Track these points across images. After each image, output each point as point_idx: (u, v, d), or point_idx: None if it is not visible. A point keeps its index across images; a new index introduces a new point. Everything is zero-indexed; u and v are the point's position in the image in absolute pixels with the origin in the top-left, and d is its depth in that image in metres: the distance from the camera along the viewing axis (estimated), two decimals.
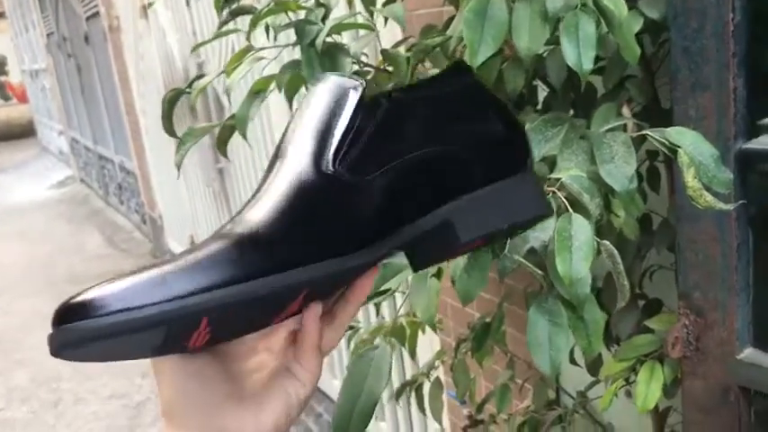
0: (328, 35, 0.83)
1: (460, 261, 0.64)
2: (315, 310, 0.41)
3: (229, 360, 0.41)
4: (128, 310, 0.34)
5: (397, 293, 1.02)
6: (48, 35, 7.28)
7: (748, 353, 0.82)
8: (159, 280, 0.35)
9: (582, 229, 0.62)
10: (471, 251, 0.48)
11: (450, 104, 0.44)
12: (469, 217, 0.43)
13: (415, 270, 0.47)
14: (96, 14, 4.92)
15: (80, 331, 0.33)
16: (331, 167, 0.40)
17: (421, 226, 0.42)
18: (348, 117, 0.41)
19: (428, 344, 1.75)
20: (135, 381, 3.26)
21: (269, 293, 0.36)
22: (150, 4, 3.37)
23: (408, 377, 1.27)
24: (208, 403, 0.38)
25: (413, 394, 1.22)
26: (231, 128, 0.94)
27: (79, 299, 0.34)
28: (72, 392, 3.26)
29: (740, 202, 0.73)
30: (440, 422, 1.22)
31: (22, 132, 11.02)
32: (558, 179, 0.66)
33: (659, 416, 1.04)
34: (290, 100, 0.92)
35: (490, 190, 0.44)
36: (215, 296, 0.35)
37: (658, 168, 0.99)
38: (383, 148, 0.41)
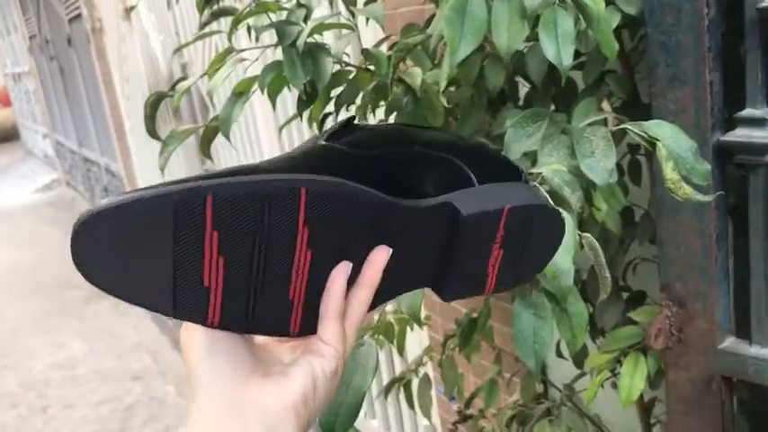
0: (310, 35, 0.83)
1: None
2: (343, 269, 0.41)
3: (255, 347, 0.42)
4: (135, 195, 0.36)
5: None
6: (30, 38, 7.23)
7: (730, 342, 0.83)
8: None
9: (564, 222, 0.63)
10: (496, 291, 0.49)
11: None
12: (469, 199, 0.44)
13: (445, 300, 0.48)
14: (78, 16, 4.89)
15: (91, 217, 0.35)
16: (323, 142, 0.45)
17: (419, 203, 0.43)
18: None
19: (417, 340, 1.76)
20: (125, 384, 3.25)
21: (272, 186, 0.38)
22: (132, 8, 3.36)
23: (397, 374, 1.28)
24: (234, 376, 0.39)
25: (402, 391, 1.23)
26: (215, 129, 0.94)
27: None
28: (61, 397, 3.24)
29: (718, 193, 0.75)
30: (429, 418, 1.22)
31: (6, 136, 10.94)
32: (540, 173, 0.67)
33: (645, 407, 1.05)
34: (272, 101, 0.92)
35: (489, 185, 0.46)
36: (219, 179, 0.37)
37: (640, 162, 1.00)
38: (375, 142, 0.46)
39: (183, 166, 3.44)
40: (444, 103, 0.82)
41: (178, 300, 0.38)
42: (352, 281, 0.42)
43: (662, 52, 0.76)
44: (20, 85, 9.30)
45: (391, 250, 0.42)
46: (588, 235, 0.67)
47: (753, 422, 0.93)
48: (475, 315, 1.08)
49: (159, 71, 3.35)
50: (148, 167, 4.26)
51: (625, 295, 1.02)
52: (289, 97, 2.04)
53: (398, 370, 1.96)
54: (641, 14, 0.78)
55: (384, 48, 0.96)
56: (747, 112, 0.74)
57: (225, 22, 0.97)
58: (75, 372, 3.46)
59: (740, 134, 0.75)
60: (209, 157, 0.97)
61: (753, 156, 0.74)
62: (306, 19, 0.88)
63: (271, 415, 0.38)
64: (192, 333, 0.40)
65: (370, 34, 1.39)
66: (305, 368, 0.40)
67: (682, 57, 0.75)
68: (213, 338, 0.39)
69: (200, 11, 0.95)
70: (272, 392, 0.39)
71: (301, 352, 0.42)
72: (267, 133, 2.47)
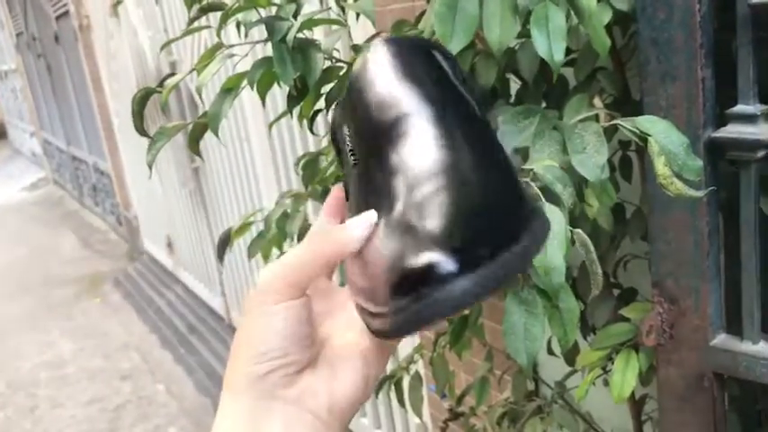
0: (300, 31, 0.83)
1: None
2: None
3: (319, 329, 0.40)
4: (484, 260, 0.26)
5: None
6: (17, 35, 7.17)
7: (721, 339, 0.83)
8: (492, 207, 0.29)
9: (555, 218, 0.63)
10: None
11: None
12: None
13: None
14: (66, 13, 4.85)
15: (440, 302, 0.26)
16: (479, 113, 0.39)
17: None
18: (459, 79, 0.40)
19: (407, 338, 1.75)
20: (113, 384, 3.23)
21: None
22: (119, 2, 3.33)
23: (388, 372, 1.28)
24: (285, 373, 0.37)
25: (393, 389, 1.22)
26: (203, 126, 0.93)
27: (421, 261, 0.27)
28: (49, 398, 3.22)
29: (710, 189, 0.74)
30: (420, 416, 1.22)
31: None
32: (531, 170, 0.66)
33: (636, 404, 1.05)
34: (262, 97, 0.91)
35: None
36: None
37: (631, 158, 1.00)
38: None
39: (171, 163, 3.42)
40: None
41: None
42: None
43: (653, 48, 0.76)
44: (6, 83, 9.23)
45: None
46: (580, 231, 0.67)
47: (743, 418, 0.93)
48: (466, 312, 1.07)
49: (147, 68, 3.33)
50: (137, 165, 4.23)
51: (616, 292, 1.02)
52: (278, 94, 2.03)
53: (389, 368, 1.95)
54: (633, 11, 0.78)
55: None
56: (739, 108, 0.74)
57: (214, 18, 0.96)
58: (64, 371, 3.43)
59: (732, 130, 0.75)
60: (198, 155, 0.96)
61: (744, 152, 0.74)
62: (296, 14, 0.87)
63: (316, 421, 0.37)
64: (271, 310, 0.36)
65: (361, 30, 1.38)
66: (357, 366, 0.39)
67: (673, 53, 0.75)
68: (278, 321, 0.36)
69: (189, 6, 0.94)
70: (320, 396, 0.38)
71: (362, 353, 0.40)
72: (257, 130, 2.46)
